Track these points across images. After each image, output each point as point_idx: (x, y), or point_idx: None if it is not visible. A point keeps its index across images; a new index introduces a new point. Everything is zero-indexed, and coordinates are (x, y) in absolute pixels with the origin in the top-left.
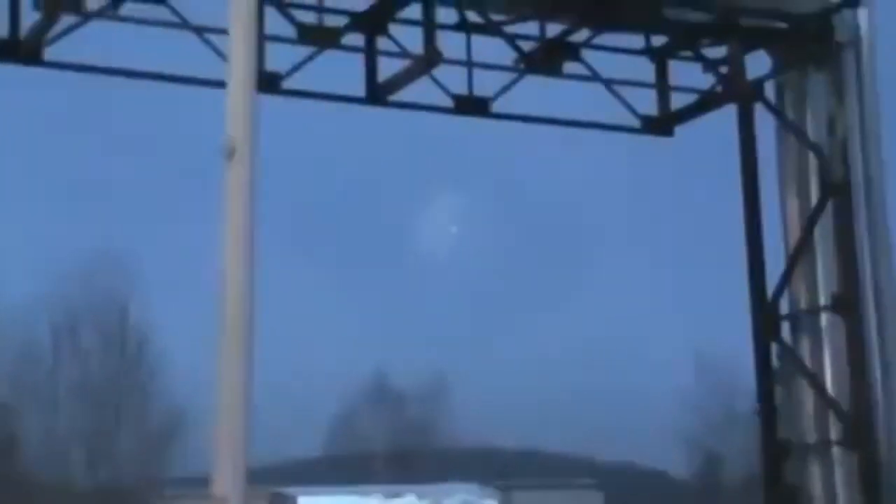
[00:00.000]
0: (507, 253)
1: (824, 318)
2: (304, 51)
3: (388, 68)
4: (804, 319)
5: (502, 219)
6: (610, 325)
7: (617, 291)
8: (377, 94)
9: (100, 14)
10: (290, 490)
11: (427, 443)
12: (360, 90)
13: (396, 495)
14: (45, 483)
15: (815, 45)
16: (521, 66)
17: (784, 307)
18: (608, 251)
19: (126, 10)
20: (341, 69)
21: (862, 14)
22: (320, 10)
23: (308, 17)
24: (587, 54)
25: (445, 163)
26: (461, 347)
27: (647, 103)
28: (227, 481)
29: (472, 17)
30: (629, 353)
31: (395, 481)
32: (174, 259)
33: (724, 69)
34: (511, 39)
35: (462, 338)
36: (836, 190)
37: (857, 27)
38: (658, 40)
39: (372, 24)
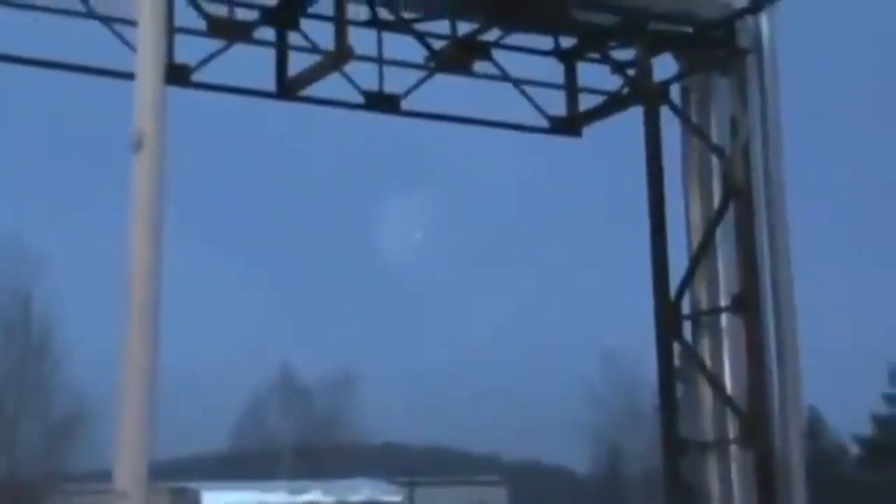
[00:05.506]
0: (416, 251)
1: (724, 319)
2: (214, 43)
3: (298, 63)
4: (705, 319)
5: (415, 217)
6: (515, 322)
7: (523, 288)
8: (287, 88)
9: (6, 2)
10: (193, 485)
11: (334, 438)
12: (270, 84)
13: (302, 491)
14: None
15: (720, 50)
16: (432, 64)
17: (686, 307)
18: (516, 248)
19: None
20: (251, 63)
21: (764, 20)
22: (231, 3)
23: (219, 10)
24: (497, 54)
25: (360, 159)
26: (368, 344)
27: (556, 104)
28: (127, 476)
29: (384, 14)
30: (534, 350)
31: (302, 477)
32: (80, 250)
33: (631, 71)
34: (422, 37)
35: (369, 334)
36: (738, 192)
37: (759, 33)
38: (567, 42)
39: (283, 18)
